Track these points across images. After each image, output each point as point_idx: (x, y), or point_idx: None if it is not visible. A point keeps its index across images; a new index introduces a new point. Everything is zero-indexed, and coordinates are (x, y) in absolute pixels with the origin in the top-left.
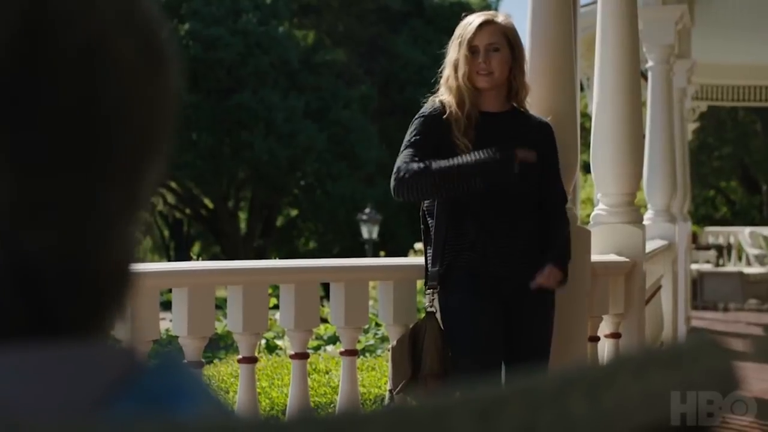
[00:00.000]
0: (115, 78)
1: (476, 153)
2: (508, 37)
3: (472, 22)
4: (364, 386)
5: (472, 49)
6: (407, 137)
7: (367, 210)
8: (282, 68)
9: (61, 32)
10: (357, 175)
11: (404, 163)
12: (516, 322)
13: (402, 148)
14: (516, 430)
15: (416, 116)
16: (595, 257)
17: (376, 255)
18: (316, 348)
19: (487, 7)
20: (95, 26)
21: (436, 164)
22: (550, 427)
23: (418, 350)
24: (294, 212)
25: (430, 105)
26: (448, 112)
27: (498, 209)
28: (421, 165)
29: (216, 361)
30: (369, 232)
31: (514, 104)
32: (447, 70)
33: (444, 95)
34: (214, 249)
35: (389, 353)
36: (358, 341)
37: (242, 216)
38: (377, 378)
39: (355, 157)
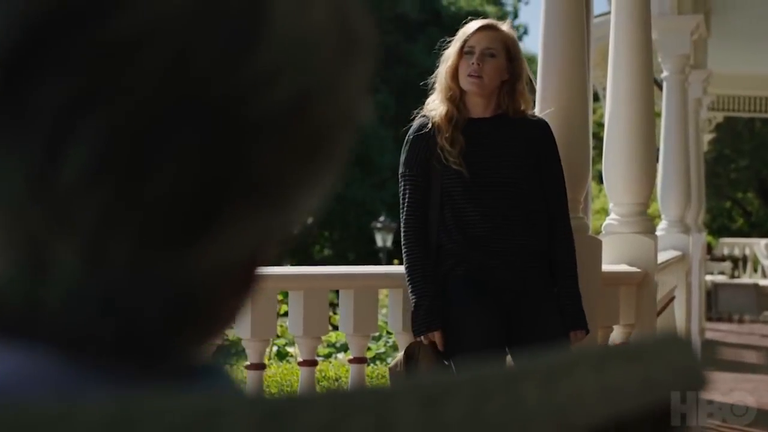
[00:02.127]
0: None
1: (424, 298)
2: (508, 46)
3: (473, 23)
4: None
5: (466, 48)
6: (402, 170)
7: (381, 218)
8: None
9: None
10: (370, 180)
11: (403, 230)
12: (517, 330)
13: (401, 196)
14: (463, 416)
15: (407, 136)
16: (606, 267)
17: (390, 263)
18: (328, 356)
19: (503, 17)
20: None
21: (410, 263)
22: (498, 414)
23: (414, 371)
24: (309, 219)
25: (416, 124)
26: (432, 124)
27: (497, 215)
28: (408, 248)
29: (227, 367)
30: (383, 240)
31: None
32: (440, 68)
33: (434, 99)
34: None
35: (387, 376)
36: (369, 349)
37: None
38: None
39: (370, 164)
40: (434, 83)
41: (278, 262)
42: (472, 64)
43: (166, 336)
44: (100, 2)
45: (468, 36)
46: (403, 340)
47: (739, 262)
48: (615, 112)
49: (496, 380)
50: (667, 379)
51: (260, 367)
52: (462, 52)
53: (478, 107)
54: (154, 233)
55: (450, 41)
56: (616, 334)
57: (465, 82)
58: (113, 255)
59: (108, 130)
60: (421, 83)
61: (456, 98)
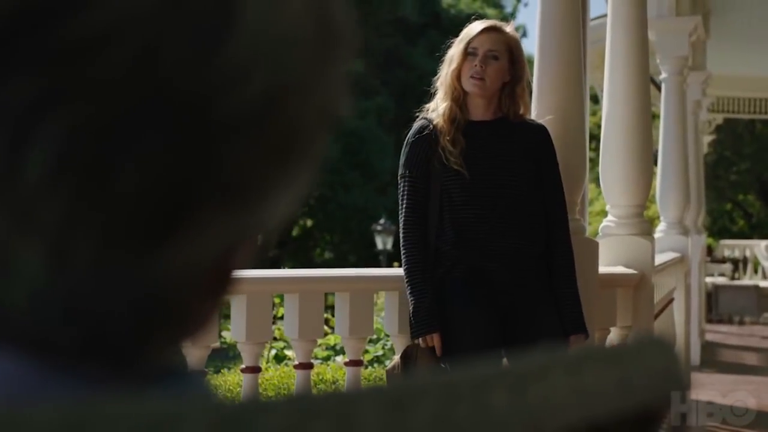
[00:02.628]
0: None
1: (422, 300)
2: (511, 48)
3: (477, 24)
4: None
5: (470, 50)
6: (401, 171)
7: (381, 221)
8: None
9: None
10: (371, 184)
11: (402, 231)
12: (514, 333)
13: (400, 197)
14: (428, 421)
15: (407, 138)
16: (602, 269)
17: (390, 266)
18: (326, 358)
19: (504, 19)
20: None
21: (408, 265)
22: (466, 419)
23: (411, 374)
24: (309, 222)
25: (416, 126)
26: (434, 125)
27: (496, 217)
28: (407, 250)
29: (224, 370)
30: (383, 242)
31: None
32: (443, 69)
33: (437, 98)
34: None
35: (385, 379)
36: (367, 352)
37: None
38: None
39: (370, 167)
40: (437, 85)
41: (259, 265)
42: (475, 65)
43: (134, 339)
44: (64, 0)
45: (472, 37)
46: (399, 342)
47: (739, 264)
48: (612, 114)
49: (466, 385)
50: (646, 382)
51: (256, 370)
52: (466, 54)
53: (479, 109)
54: (118, 234)
55: (452, 42)
56: (613, 336)
57: (467, 84)
58: (77, 255)
59: (70, 130)
60: (424, 86)
61: (459, 99)
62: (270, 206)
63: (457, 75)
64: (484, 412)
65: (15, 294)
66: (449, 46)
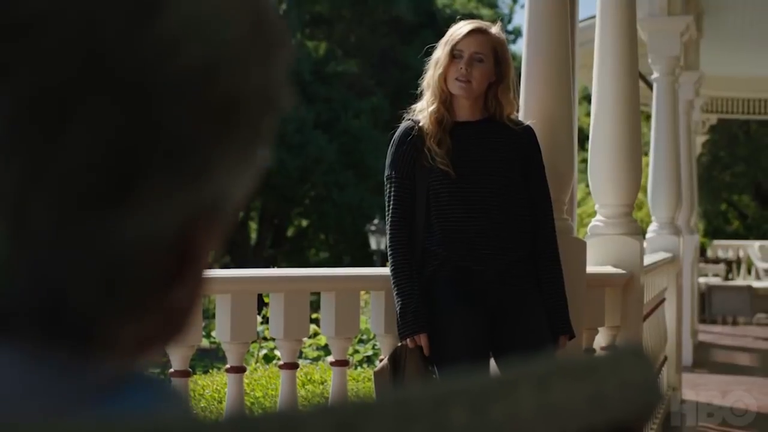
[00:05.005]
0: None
1: (410, 301)
2: (496, 50)
3: (463, 26)
4: (364, 397)
5: (455, 52)
6: (388, 172)
7: (375, 221)
8: (293, 79)
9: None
10: (365, 184)
11: (389, 231)
12: (502, 333)
13: (387, 198)
14: None
15: (392, 140)
16: (591, 269)
17: (384, 266)
18: (316, 359)
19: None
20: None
21: (395, 265)
22: None
23: (400, 375)
24: (304, 222)
25: (402, 127)
26: (419, 126)
27: (483, 218)
28: (393, 250)
29: (214, 370)
30: (377, 242)
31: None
32: (429, 70)
33: (424, 100)
34: (224, 258)
35: (372, 380)
36: (357, 352)
37: (253, 226)
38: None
39: (365, 167)
40: (422, 86)
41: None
42: (461, 68)
43: (92, 319)
44: None
45: (457, 40)
46: (385, 342)
47: (732, 265)
48: (600, 114)
49: (422, 403)
50: (621, 395)
51: (240, 370)
52: (452, 56)
53: (465, 110)
54: (73, 200)
55: (436, 44)
56: (602, 337)
57: (453, 86)
58: (36, 225)
59: (17, 100)
60: (419, 86)
61: (446, 101)
62: (222, 180)
63: (444, 77)
64: (440, 431)
65: None
66: (435, 48)
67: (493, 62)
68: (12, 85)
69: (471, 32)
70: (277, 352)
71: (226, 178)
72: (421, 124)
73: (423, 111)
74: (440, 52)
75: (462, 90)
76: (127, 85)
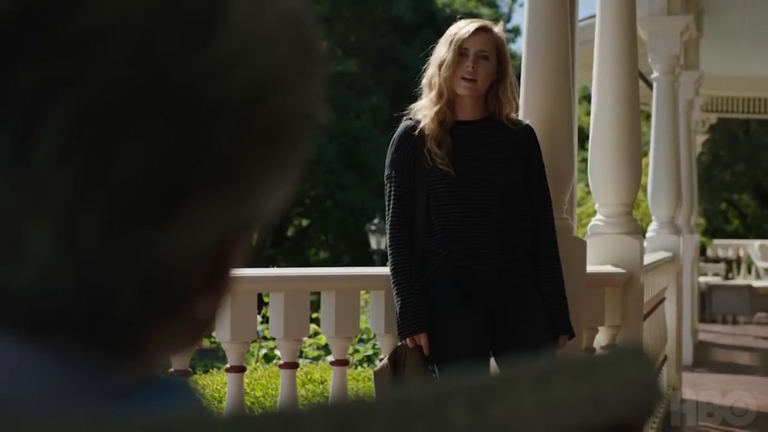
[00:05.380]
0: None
1: (410, 301)
2: (499, 49)
3: (467, 25)
4: (366, 396)
5: (462, 51)
6: (387, 172)
7: (375, 220)
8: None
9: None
10: (366, 184)
11: (389, 231)
12: (502, 333)
13: (387, 198)
14: None
15: (392, 139)
16: (590, 268)
17: (383, 265)
18: (316, 358)
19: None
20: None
21: (395, 265)
22: None
23: (400, 375)
24: (305, 222)
25: (402, 126)
26: (420, 127)
27: (483, 217)
28: (393, 250)
29: (214, 370)
30: (378, 242)
31: (492, 112)
32: (431, 69)
33: (423, 100)
34: None
35: (372, 380)
36: (357, 351)
37: None
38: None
39: (365, 167)
40: (423, 84)
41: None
42: (468, 67)
43: (132, 326)
44: None
45: (463, 38)
46: (385, 341)
47: (732, 264)
48: (600, 113)
49: (423, 402)
50: (620, 394)
51: (240, 369)
52: (459, 54)
53: (466, 109)
54: (122, 212)
55: (437, 43)
56: (602, 336)
57: (458, 85)
58: (85, 234)
59: (75, 114)
60: (419, 86)
61: (451, 100)
62: (260, 197)
63: (450, 76)
64: (440, 430)
65: (24, 274)
66: (439, 46)
67: (496, 61)
68: (70, 99)
69: (477, 30)
70: (277, 352)
71: (264, 195)
72: (422, 125)
73: (424, 110)
74: (445, 51)
75: (467, 89)
76: (181, 105)
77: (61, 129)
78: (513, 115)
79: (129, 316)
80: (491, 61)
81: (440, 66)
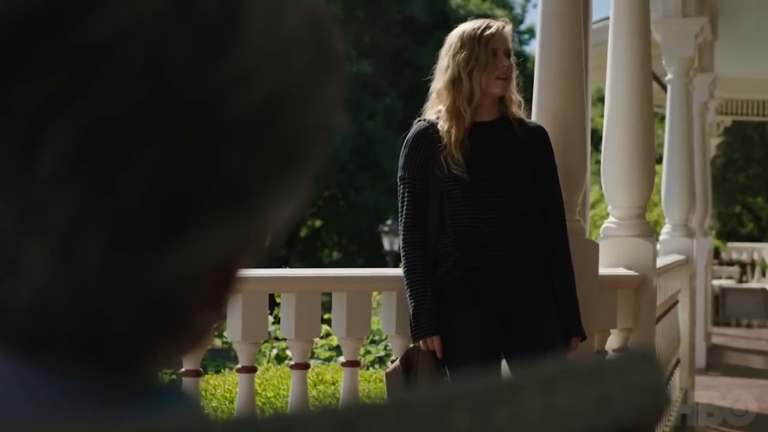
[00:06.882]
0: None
1: (423, 303)
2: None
3: (488, 23)
4: (371, 399)
5: (493, 51)
6: (401, 173)
7: (389, 221)
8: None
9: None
10: (380, 185)
11: (402, 233)
12: (514, 336)
13: (400, 199)
14: None
15: (405, 140)
16: (603, 270)
17: (396, 266)
18: (328, 359)
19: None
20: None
21: (408, 267)
22: None
23: (412, 377)
24: (318, 223)
25: (416, 127)
26: (441, 131)
27: (496, 219)
28: (407, 251)
29: (225, 370)
30: (390, 243)
31: (505, 113)
32: (453, 72)
33: (438, 107)
34: None
35: (384, 381)
36: (369, 353)
37: None
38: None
39: (379, 168)
40: (439, 86)
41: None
42: (504, 65)
43: (131, 340)
44: (77, 5)
45: (492, 37)
46: (396, 343)
47: (747, 267)
48: (614, 115)
49: (426, 406)
50: (627, 398)
51: (251, 370)
52: (492, 56)
53: (484, 109)
54: (125, 233)
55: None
56: (614, 339)
57: (495, 85)
58: (84, 255)
59: (80, 131)
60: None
61: (476, 101)
62: (271, 213)
63: (486, 77)
64: None
65: (20, 292)
66: (459, 47)
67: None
68: (75, 114)
69: (501, 28)
70: (288, 352)
71: (275, 210)
72: (439, 126)
73: (441, 112)
74: (471, 53)
75: (502, 88)
76: (192, 122)
77: (64, 146)
78: (519, 113)
79: (128, 335)
80: (512, 58)
81: (471, 69)
